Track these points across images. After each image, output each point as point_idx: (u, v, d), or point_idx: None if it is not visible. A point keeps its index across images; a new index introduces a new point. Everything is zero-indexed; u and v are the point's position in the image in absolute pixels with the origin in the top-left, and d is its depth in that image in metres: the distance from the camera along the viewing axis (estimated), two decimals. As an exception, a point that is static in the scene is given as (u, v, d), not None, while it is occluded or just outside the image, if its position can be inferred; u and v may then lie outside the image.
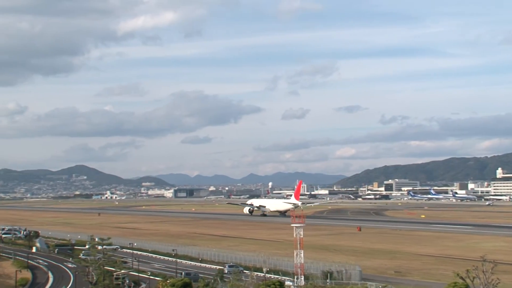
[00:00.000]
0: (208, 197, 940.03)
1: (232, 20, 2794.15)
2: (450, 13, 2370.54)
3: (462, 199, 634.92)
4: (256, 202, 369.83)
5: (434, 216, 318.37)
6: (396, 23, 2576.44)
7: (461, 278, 72.09)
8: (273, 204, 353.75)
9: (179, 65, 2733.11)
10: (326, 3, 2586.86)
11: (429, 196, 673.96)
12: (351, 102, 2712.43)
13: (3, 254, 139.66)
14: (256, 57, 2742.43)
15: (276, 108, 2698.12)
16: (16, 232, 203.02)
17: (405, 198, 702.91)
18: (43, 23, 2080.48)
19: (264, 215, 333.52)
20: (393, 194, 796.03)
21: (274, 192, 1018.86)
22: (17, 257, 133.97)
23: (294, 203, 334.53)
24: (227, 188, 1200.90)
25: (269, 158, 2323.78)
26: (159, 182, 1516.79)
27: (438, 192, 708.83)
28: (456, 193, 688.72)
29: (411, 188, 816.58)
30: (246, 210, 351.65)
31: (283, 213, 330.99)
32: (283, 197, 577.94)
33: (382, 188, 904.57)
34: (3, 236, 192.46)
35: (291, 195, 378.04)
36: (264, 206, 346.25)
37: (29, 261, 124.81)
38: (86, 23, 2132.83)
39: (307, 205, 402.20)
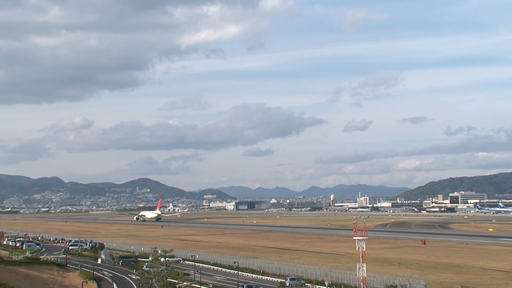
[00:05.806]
0: (269, 210, 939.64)
1: (295, 32, 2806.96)
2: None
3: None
4: (141, 213, 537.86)
5: (503, 230, 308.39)
6: (465, 32, 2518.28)
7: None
8: (148, 214, 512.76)
9: (242, 77, 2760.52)
10: (392, 13, 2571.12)
11: (497, 209, 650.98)
12: (415, 113, 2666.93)
13: (70, 266, 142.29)
14: (319, 69, 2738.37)
15: (339, 120, 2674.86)
16: (82, 244, 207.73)
17: (472, 211, 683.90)
18: (110, 39, 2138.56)
19: (144, 220, 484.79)
20: (458, 207, 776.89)
21: (336, 204, 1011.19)
22: (83, 269, 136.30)
23: (158, 213, 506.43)
24: (288, 201, 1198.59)
25: (331, 170, 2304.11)
26: (221, 195, 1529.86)
27: (506, 205, 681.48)
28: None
29: (477, 200, 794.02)
30: (134, 218, 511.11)
31: (157, 219, 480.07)
32: (345, 210, 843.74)
33: (447, 201, 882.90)
34: (70, 248, 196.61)
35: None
36: (144, 215, 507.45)
37: (94, 272, 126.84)
38: (152, 38, 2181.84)
39: (167, 214, 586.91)
